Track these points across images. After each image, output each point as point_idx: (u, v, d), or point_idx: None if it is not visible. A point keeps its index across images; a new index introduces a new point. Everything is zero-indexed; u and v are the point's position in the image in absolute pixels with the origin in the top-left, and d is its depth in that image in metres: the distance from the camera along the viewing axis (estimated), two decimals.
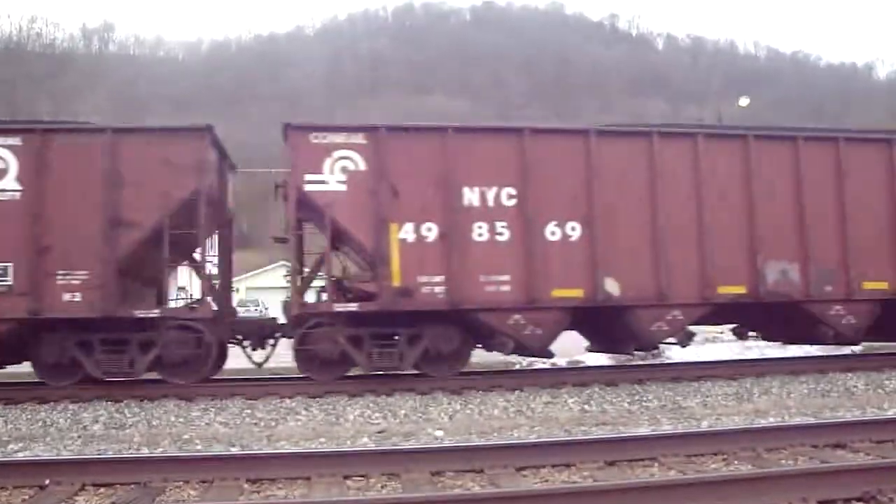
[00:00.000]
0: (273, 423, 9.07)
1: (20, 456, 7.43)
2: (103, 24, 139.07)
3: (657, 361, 16.09)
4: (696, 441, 6.70)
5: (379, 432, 8.36)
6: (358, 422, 9.11)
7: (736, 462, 6.21)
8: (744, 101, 36.59)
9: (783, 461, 6.22)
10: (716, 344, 19.75)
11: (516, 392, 10.72)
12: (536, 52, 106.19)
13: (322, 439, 8.03)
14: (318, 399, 10.31)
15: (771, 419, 8.68)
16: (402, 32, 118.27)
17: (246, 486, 5.76)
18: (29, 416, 9.51)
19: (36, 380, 11.18)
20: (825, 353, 15.21)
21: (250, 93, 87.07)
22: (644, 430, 8.07)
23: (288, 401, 10.20)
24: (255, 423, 9.09)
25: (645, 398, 10.28)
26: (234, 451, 7.43)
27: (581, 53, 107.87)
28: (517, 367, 15.33)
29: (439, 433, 8.26)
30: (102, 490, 5.77)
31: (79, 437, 8.52)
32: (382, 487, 5.72)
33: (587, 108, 76.50)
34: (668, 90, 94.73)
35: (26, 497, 5.61)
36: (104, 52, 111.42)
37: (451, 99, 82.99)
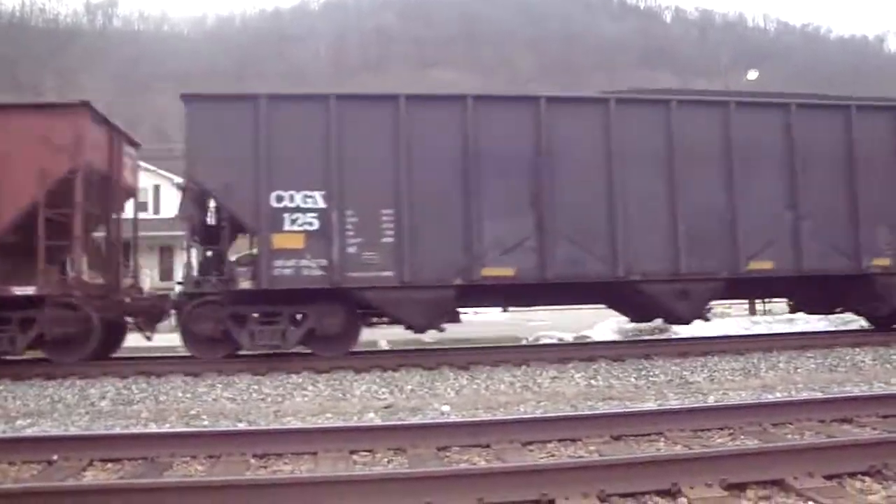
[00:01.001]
0: (280, 399, 9.10)
1: (29, 432, 7.47)
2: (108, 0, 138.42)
3: (664, 336, 16.08)
4: (703, 416, 6.68)
5: (385, 407, 8.38)
6: (364, 397, 9.13)
7: (742, 437, 6.19)
8: (753, 75, 36.23)
9: (789, 436, 6.21)
10: (724, 319, 19.70)
11: (523, 367, 10.74)
12: (544, 26, 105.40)
13: (329, 414, 8.05)
14: (324, 374, 10.34)
15: (778, 394, 8.66)
16: (409, 8, 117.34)
17: (252, 461, 5.78)
18: (37, 392, 9.57)
19: (41, 356, 11.24)
20: (833, 329, 15.19)
21: (255, 69, 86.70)
22: (650, 405, 8.07)
23: (295, 376, 10.23)
24: (262, 399, 9.12)
25: (652, 373, 10.28)
26: (241, 426, 7.46)
27: (589, 28, 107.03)
28: (524, 342, 15.34)
29: (446, 408, 8.27)
30: (110, 465, 5.79)
31: (86, 413, 8.56)
32: (389, 462, 5.73)
33: (595, 83, 76.04)
34: (676, 64, 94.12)
35: (35, 472, 5.63)
36: (108, 29, 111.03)
37: (458, 74, 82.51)
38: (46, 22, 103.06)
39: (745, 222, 12.00)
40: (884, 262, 12.45)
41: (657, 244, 11.74)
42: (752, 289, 13.45)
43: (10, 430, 7.60)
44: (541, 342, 15.46)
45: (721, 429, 6.40)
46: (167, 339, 13.02)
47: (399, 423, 7.08)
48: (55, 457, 5.83)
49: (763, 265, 12.07)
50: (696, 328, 15.89)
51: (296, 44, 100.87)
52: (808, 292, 13.03)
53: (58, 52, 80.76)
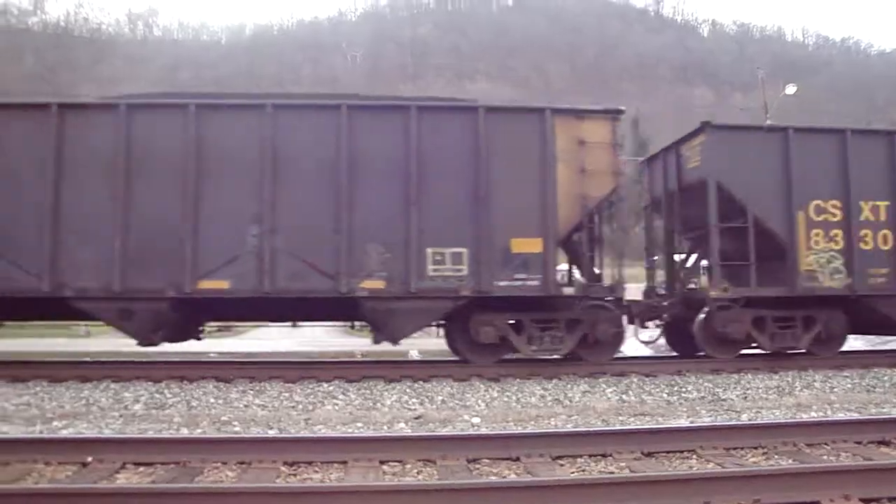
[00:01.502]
0: (311, 407, 9.13)
1: (64, 433, 7.58)
2: (148, 9, 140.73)
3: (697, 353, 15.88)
4: (736, 434, 6.60)
5: (416, 418, 8.37)
6: (395, 407, 9.13)
7: (776, 456, 6.10)
8: (791, 89, 35.85)
9: (825, 457, 6.11)
10: None
11: (554, 380, 10.69)
12: (578, 38, 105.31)
13: (359, 424, 8.06)
14: (355, 383, 10.37)
15: (813, 414, 8.53)
16: (445, 18, 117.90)
17: (283, 468, 5.80)
18: (72, 395, 9.70)
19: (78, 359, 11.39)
20: (870, 348, 14.94)
21: (292, 77, 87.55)
22: (683, 422, 7.99)
23: (325, 384, 10.26)
24: (293, 407, 9.15)
25: (684, 389, 10.18)
26: (272, 433, 7.50)
27: (624, 40, 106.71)
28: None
29: (476, 420, 8.25)
30: (142, 469, 5.85)
31: (120, 416, 8.65)
32: (419, 473, 5.72)
33: (630, 95, 75.77)
34: (713, 78, 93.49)
35: (69, 473, 5.71)
36: (148, 37, 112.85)
37: (493, 85, 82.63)
38: (90, 31, 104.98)
39: (202, 237, 10.84)
40: (375, 284, 11.07)
41: (94, 258, 10.82)
42: (206, 311, 11.85)
43: (47, 431, 7.72)
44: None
45: (755, 448, 6.32)
46: (196, 345, 13.12)
47: (429, 434, 7.08)
48: (90, 458, 5.91)
49: (217, 284, 10.90)
50: None
51: (332, 53, 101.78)
52: (280, 311, 11.91)
53: (100, 60, 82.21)
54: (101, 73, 79.27)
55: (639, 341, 13.20)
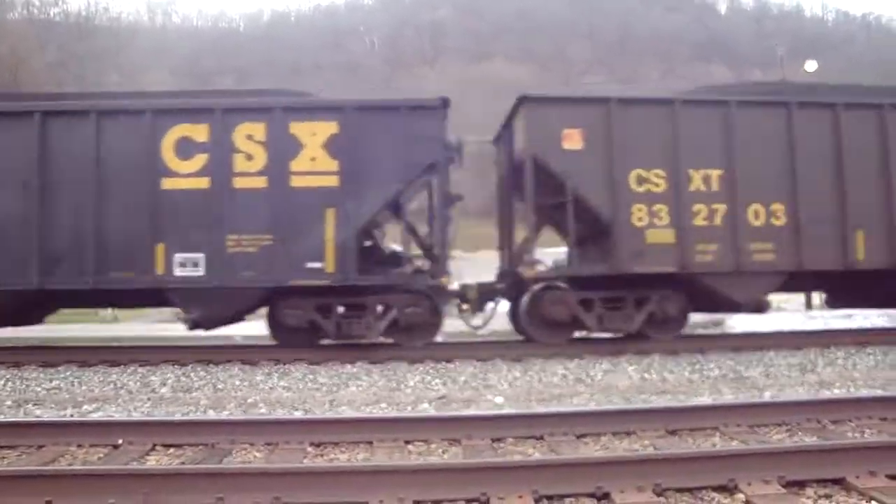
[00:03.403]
0: (335, 389, 9.22)
1: (95, 416, 7.73)
2: None
3: (719, 331, 15.87)
4: (759, 411, 6.59)
5: (439, 398, 8.44)
6: (418, 388, 9.21)
7: (800, 433, 6.11)
8: (811, 66, 35.45)
9: (849, 434, 6.10)
10: (779, 314, 19.38)
11: (576, 360, 10.73)
12: (598, 18, 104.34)
13: (383, 405, 8.14)
14: (378, 365, 10.45)
15: (836, 391, 8.52)
16: (463, 1, 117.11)
17: (310, 449, 5.88)
18: (101, 379, 9.86)
19: (107, 344, 11.55)
20: (893, 325, 14.83)
21: (311, 63, 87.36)
22: (705, 400, 8.00)
23: (349, 366, 10.36)
24: (317, 389, 9.25)
25: (706, 367, 10.17)
26: (298, 415, 7.59)
27: (643, 19, 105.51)
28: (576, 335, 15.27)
29: (499, 400, 8.30)
30: (172, 450, 5.96)
31: (148, 399, 8.79)
32: (444, 453, 5.78)
33: (650, 75, 75.15)
34: (731, 56, 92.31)
35: (101, 455, 5.83)
36: (168, 25, 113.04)
37: (512, 66, 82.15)
38: (110, 20, 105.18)
39: None
40: None
41: None
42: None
43: (77, 415, 7.87)
44: (593, 335, 15.37)
45: (778, 425, 6.31)
46: (222, 329, 13.25)
47: (454, 413, 7.15)
48: (120, 441, 6.03)
49: None
50: (752, 323, 15.70)
51: (351, 37, 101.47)
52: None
53: (121, 48, 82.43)
54: (122, 60, 79.59)
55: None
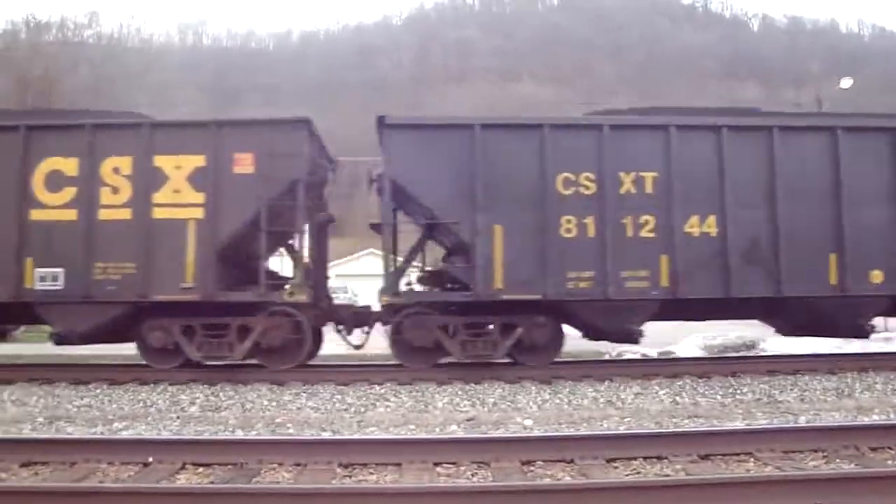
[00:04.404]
0: (363, 409, 9.20)
1: (125, 434, 7.77)
2: (198, 19, 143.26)
3: (752, 353, 15.67)
4: (795, 436, 6.49)
5: (468, 420, 8.39)
6: (447, 409, 9.16)
7: (837, 460, 5.99)
8: (846, 83, 35.05)
9: (889, 462, 5.97)
10: (813, 337, 19.07)
11: (606, 382, 10.62)
12: (625, 36, 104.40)
13: (412, 426, 8.11)
14: (407, 386, 10.42)
15: (875, 417, 8.34)
16: (490, 20, 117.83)
17: (338, 469, 5.87)
18: (131, 397, 9.92)
19: (139, 361, 11.62)
20: None
21: (339, 82, 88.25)
22: (738, 424, 7.88)
23: (377, 387, 10.34)
24: (346, 409, 9.23)
25: (739, 391, 10.02)
26: (326, 435, 7.58)
27: (671, 37, 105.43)
28: (606, 356, 15.17)
29: (528, 422, 8.23)
30: (201, 469, 5.97)
31: (177, 417, 8.83)
32: (472, 475, 5.74)
33: (678, 94, 74.85)
34: (763, 73, 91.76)
35: (132, 473, 5.85)
36: (198, 46, 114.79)
37: (539, 85, 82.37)
38: (142, 41, 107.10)
39: None
40: None
41: None
42: None
43: (108, 432, 7.92)
44: (624, 357, 15.27)
45: (814, 451, 6.20)
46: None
47: (483, 436, 7.11)
48: (150, 459, 6.06)
49: None
50: (786, 345, 15.48)
51: (378, 57, 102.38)
52: None
53: (151, 68, 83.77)
54: (153, 80, 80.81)
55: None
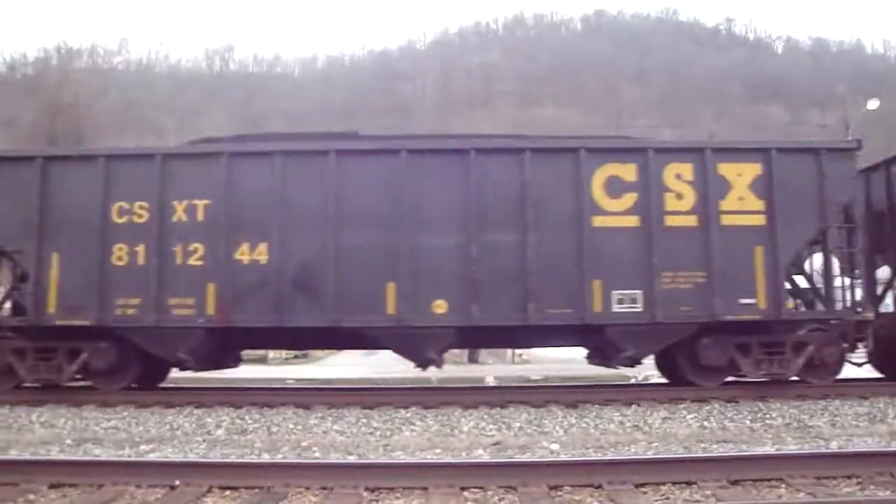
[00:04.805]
0: (388, 433, 9.17)
1: (151, 457, 7.79)
2: (225, 45, 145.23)
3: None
4: (827, 462, 6.40)
5: (494, 444, 8.34)
6: (472, 433, 9.11)
7: (872, 486, 5.89)
8: (873, 104, 34.81)
9: None
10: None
11: (633, 406, 10.52)
12: (649, 60, 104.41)
13: (437, 450, 8.07)
14: (432, 409, 10.39)
15: None
16: (513, 45, 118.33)
17: (365, 494, 5.85)
18: (157, 420, 9.97)
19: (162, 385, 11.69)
20: None
21: (363, 107, 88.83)
22: (768, 449, 7.77)
23: (403, 411, 10.31)
24: (371, 433, 9.21)
25: (768, 416, 9.89)
26: (352, 459, 7.56)
27: (695, 60, 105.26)
28: (633, 380, 15.05)
29: (555, 447, 8.17)
30: (228, 493, 5.98)
31: (203, 440, 8.85)
32: (500, 500, 5.70)
33: (702, 117, 74.62)
34: (788, 95, 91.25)
35: (159, 495, 5.87)
36: (224, 71, 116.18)
37: (562, 110, 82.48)
38: (170, 67, 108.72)
39: None
40: None
41: None
42: None
43: (135, 454, 7.95)
44: (650, 381, 15.12)
45: (847, 477, 6.10)
46: (275, 372, 13.36)
47: (510, 460, 7.06)
48: (177, 482, 6.08)
49: None
50: None
51: (403, 81, 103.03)
52: None
53: (179, 94, 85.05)
54: (179, 105, 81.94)
55: None
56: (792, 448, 7.88)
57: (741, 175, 11.32)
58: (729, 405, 10.56)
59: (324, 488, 5.96)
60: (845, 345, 11.50)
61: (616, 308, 11.00)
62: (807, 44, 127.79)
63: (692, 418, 9.79)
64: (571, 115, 77.58)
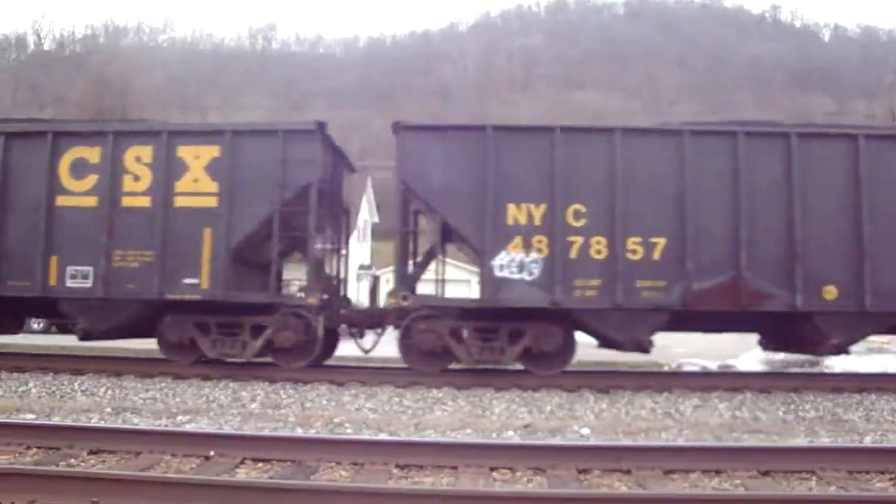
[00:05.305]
0: (420, 412, 9.26)
1: (188, 427, 7.97)
2: (267, 24, 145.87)
3: (815, 370, 15.28)
4: (860, 456, 6.33)
5: (524, 427, 8.39)
6: (504, 415, 9.17)
7: None
8: None
9: None
10: (881, 355, 18.53)
11: (665, 394, 10.48)
12: (691, 47, 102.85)
13: (468, 430, 8.14)
14: (464, 390, 10.44)
15: None
16: (555, 28, 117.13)
17: (395, 470, 5.93)
18: (194, 392, 10.16)
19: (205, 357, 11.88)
20: None
21: (404, 88, 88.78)
22: (801, 441, 7.72)
23: (435, 391, 10.38)
24: (403, 412, 9.30)
25: (801, 408, 9.80)
26: (383, 436, 7.66)
27: (739, 48, 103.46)
28: (666, 368, 14.99)
29: (585, 431, 8.20)
30: (261, 465, 6.10)
31: (238, 413, 9.02)
32: (528, 482, 5.75)
33: (745, 105, 73.48)
34: (834, 85, 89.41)
35: (194, 465, 6.01)
36: (267, 50, 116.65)
37: (603, 95, 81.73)
38: (214, 46, 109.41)
39: None
40: None
41: None
42: None
43: (172, 425, 8.14)
44: (683, 369, 15.06)
45: (881, 472, 6.03)
46: None
47: (540, 442, 7.10)
48: (212, 452, 6.21)
49: None
50: (852, 364, 15.07)
51: (444, 63, 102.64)
52: None
53: (222, 72, 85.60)
54: (223, 83, 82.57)
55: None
56: (824, 441, 7.83)
57: (199, 157, 11.45)
58: (762, 395, 10.47)
59: (354, 464, 6.05)
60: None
61: (69, 283, 11.41)
62: (855, 31, 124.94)
63: (724, 407, 9.73)
64: (613, 100, 76.92)
